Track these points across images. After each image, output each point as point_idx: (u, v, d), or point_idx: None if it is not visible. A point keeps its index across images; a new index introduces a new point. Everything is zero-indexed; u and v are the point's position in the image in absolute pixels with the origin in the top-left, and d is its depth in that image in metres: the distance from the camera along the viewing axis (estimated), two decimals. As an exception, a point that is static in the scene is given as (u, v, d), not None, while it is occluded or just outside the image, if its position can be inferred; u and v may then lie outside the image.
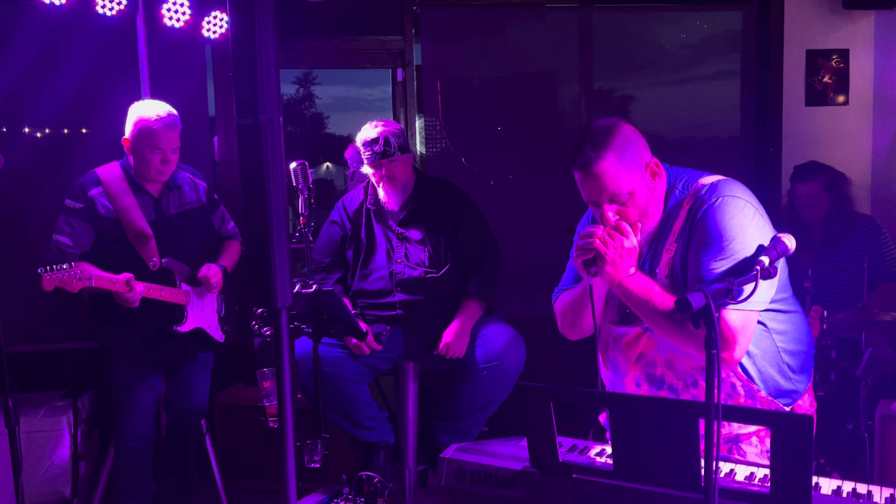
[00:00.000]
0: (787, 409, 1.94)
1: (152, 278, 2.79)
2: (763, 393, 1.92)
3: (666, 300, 1.82)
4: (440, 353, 3.05)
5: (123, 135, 2.86)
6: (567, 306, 2.09)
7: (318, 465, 2.66)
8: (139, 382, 2.88)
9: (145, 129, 2.76)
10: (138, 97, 3.12)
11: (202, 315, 2.98)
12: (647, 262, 1.95)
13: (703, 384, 1.90)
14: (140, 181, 2.86)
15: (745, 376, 1.91)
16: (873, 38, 4.12)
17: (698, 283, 1.81)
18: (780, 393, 1.94)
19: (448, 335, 3.06)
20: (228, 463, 3.52)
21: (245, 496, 3.51)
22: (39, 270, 2.54)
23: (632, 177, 1.87)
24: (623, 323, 2.01)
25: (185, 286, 2.90)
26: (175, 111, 2.85)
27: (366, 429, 3.14)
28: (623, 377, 2.02)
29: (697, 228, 1.85)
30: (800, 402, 1.98)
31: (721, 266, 1.79)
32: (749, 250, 1.78)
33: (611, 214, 1.88)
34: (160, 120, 2.77)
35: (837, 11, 4.09)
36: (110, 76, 3.63)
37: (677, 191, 1.94)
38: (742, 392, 1.92)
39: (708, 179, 1.92)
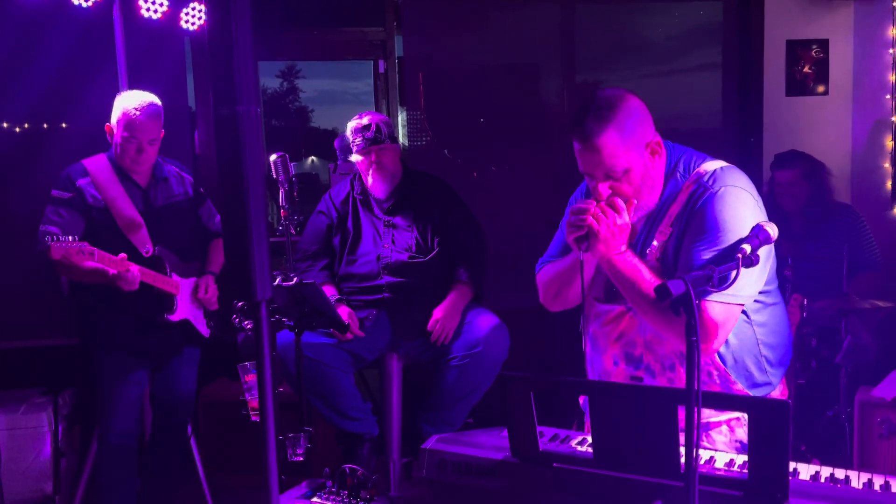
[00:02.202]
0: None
1: (145, 265, 2.78)
2: (739, 385, 1.92)
3: (652, 283, 1.79)
4: (431, 329, 3.06)
5: (102, 129, 2.86)
6: (553, 277, 2.06)
7: (301, 459, 2.65)
8: (125, 378, 2.86)
9: (124, 117, 2.78)
10: (116, 90, 3.09)
11: (191, 307, 2.97)
12: (640, 241, 1.93)
13: (680, 369, 1.91)
14: (127, 171, 2.86)
15: (722, 365, 1.91)
16: (853, 27, 4.14)
17: (687, 271, 1.79)
18: (753, 385, 1.94)
19: (439, 311, 3.08)
20: (212, 458, 3.51)
21: (229, 491, 3.49)
22: (47, 239, 2.54)
23: (630, 155, 1.82)
24: (607, 300, 1.99)
25: (175, 276, 2.88)
26: (159, 102, 2.84)
27: (350, 419, 3.14)
28: (602, 354, 2.01)
29: (696, 216, 1.83)
30: (773, 394, 1.98)
31: (713, 257, 1.77)
32: None
33: (604, 189, 1.84)
34: (140, 109, 2.77)
35: (817, 1, 4.11)
36: (88, 69, 3.59)
37: (678, 173, 1.90)
38: (717, 381, 1.92)
39: (710, 165, 1.89)
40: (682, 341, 1.80)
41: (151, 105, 2.79)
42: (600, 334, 2.01)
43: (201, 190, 3.11)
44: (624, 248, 1.85)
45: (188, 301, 2.95)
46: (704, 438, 1.93)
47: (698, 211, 1.83)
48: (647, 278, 1.82)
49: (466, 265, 3.19)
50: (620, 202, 1.84)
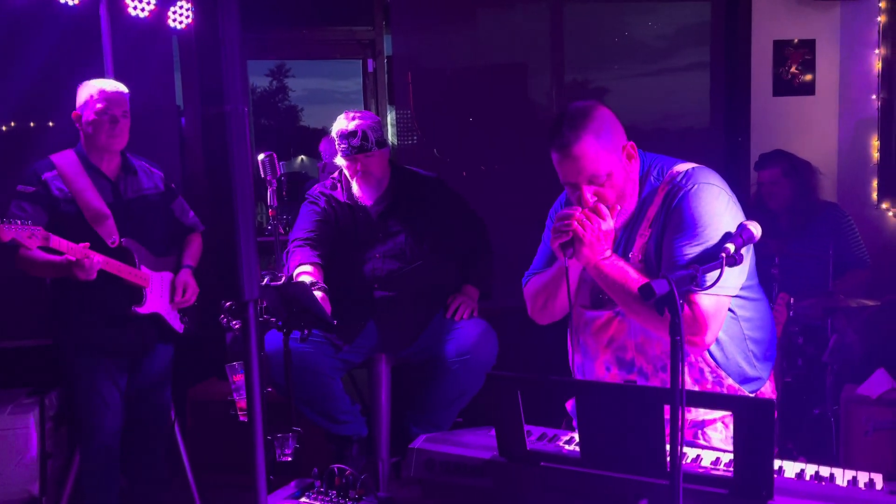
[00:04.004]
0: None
1: (111, 257, 2.76)
2: (730, 381, 1.94)
3: (640, 283, 1.82)
4: (450, 303, 3.11)
5: None
6: (539, 289, 2.09)
7: (289, 459, 2.64)
8: (101, 378, 2.84)
9: (93, 92, 2.79)
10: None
11: (161, 301, 2.94)
12: (622, 245, 1.97)
13: None
14: (96, 162, 2.84)
15: (713, 362, 1.93)
16: (839, 28, 4.17)
17: (670, 267, 1.83)
18: (745, 380, 1.97)
19: (457, 296, 3.14)
20: (201, 457, 3.49)
21: (217, 490, 3.48)
22: None
23: (610, 158, 1.87)
24: (595, 307, 2.02)
25: (144, 269, 2.87)
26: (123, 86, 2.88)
27: (339, 423, 3.13)
28: (593, 361, 2.03)
29: (673, 215, 1.87)
30: (763, 389, 2.01)
31: (694, 251, 1.82)
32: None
33: (589, 196, 1.88)
34: (109, 85, 2.81)
35: (804, 2, 4.14)
36: (75, 68, 3.53)
37: (652, 177, 1.96)
38: (710, 378, 1.94)
39: (683, 167, 1.95)
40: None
41: (118, 87, 2.85)
42: (591, 342, 2.03)
43: (172, 185, 3.09)
44: (609, 252, 1.88)
45: (158, 295, 2.93)
46: (700, 436, 1.96)
47: (675, 209, 1.87)
48: (635, 278, 1.85)
49: (474, 264, 3.23)
50: (604, 208, 1.88)
